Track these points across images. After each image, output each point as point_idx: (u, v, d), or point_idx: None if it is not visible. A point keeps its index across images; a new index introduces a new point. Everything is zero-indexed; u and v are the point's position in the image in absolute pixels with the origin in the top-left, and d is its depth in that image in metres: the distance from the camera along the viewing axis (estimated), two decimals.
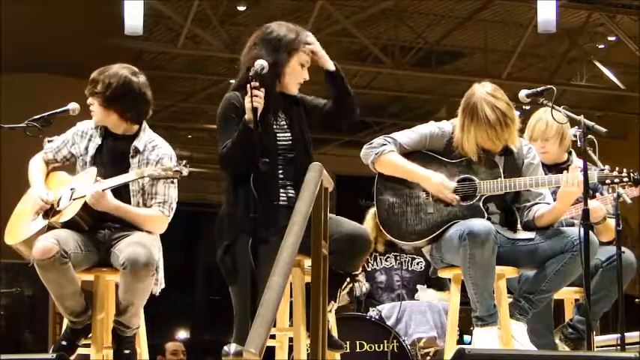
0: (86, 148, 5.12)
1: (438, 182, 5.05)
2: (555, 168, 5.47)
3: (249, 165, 4.56)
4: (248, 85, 4.60)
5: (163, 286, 5.04)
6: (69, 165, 5.21)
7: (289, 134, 4.82)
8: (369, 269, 6.88)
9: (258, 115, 4.58)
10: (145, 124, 5.15)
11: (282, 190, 4.76)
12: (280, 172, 4.77)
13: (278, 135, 4.80)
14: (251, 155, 4.56)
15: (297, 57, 4.84)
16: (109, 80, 5.04)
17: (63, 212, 4.97)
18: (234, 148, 4.68)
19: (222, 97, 4.89)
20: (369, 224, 6.52)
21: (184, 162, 4.91)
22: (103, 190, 4.88)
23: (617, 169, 5.01)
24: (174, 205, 5.07)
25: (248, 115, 4.63)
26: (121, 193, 4.99)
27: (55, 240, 4.76)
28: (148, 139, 5.10)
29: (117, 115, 5.07)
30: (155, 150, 5.07)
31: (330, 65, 4.86)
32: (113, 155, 5.07)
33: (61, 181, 5.16)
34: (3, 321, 10.37)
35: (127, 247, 4.81)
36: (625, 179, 4.99)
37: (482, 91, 5.03)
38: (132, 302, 4.82)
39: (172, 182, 5.03)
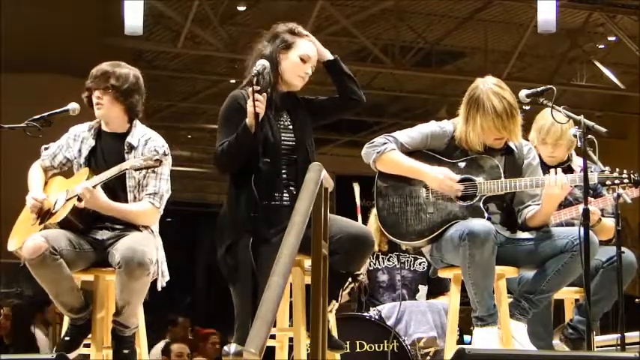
0: (79, 151, 5.11)
1: (441, 176, 5.03)
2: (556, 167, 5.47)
3: (245, 165, 4.58)
4: (250, 90, 4.61)
5: (168, 278, 5.03)
6: (67, 170, 5.21)
7: (292, 135, 4.82)
8: (371, 268, 6.87)
9: (260, 119, 4.58)
10: (136, 121, 5.14)
11: (284, 190, 4.77)
12: (284, 172, 4.78)
13: (283, 135, 4.80)
14: (247, 158, 4.57)
15: (295, 50, 4.85)
16: (125, 74, 5.04)
17: (57, 213, 4.97)
18: (231, 150, 4.68)
19: (222, 97, 4.88)
20: (372, 226, 6.50)
21: (165, 149, 4.95)
22: (93, 187, 4.87)
23: (617, 170, 5.01)
24: (166, 198, 5.05)
25: (250, 120, 4.63)
26: (118, 190, 4.99)
27: (43, 238, 4.75)
28: (140, 133, 5.10)
29: (124, 108, 5.06)
30: (148, 143, 5.07)
31: (328, 55, 4.95)
32: (108, 154, 5.07)
33: (60, 185, 5.16)
34: (13, 320, 10.36)
35: (122, 247, 4.81)
36: (625, 180, 4.99)
37: (487, 83, 5.04)
38: (128, 302, 4.82)
39: (163, 174, 5.02)
